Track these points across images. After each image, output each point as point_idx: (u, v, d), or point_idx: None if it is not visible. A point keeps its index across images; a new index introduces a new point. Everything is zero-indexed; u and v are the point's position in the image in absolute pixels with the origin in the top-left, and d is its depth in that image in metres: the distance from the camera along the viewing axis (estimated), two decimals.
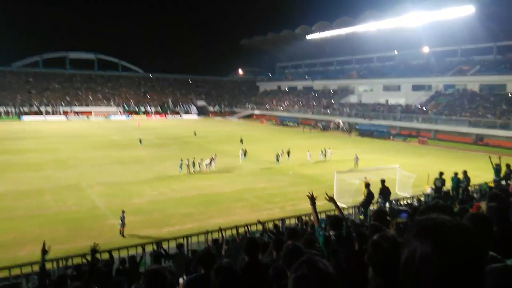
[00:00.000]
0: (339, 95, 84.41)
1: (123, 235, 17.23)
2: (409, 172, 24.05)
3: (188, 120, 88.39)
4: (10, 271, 9.96)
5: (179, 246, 10.87)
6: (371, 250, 2.35)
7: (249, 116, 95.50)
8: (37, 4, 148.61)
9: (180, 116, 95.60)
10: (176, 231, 16.19)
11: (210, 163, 31.29)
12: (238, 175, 29.85)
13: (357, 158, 33.32)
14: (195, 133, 56.11)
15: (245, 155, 35.92)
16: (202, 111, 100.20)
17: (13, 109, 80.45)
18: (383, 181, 15.57)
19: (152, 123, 77.25)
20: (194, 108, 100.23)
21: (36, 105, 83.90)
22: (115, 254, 10.86)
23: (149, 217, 19.95)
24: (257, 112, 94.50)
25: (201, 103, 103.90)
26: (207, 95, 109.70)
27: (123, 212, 17.71)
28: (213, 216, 19.53)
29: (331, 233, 5.39)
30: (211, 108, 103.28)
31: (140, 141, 44.45)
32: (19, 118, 78.33)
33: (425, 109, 61.50)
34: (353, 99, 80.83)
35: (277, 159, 33.74)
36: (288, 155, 36.21)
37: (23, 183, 26.40)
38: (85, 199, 22.95)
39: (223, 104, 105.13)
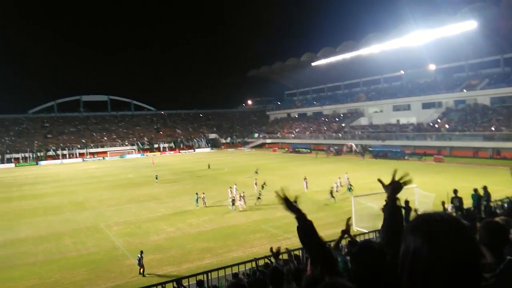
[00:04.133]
0: (349, 118, 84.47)
1: (143, 275, 17.13)
2: (427, 192, 23.66)
3: (201, 154, 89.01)
4: None
5: (199, 283, 10.75)
6: (352, 264, 2.29)
7: (261, 146, 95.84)
8: (47, 51, 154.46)
9: (193, 150, 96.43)
10: (195, 267, 16.08)
11: (240, 199, 29.39)
12: (254, 205, 29.67)
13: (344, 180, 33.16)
14: (209, 166, 56.36)
15: (262, 187, 34.12)
16: (214, 144, 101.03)
17: (30, 155, 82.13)
18: (406, 202, 15.29)
19: (166, 159, 77.97)
20: (206, 142, 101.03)
21: (53, 149, 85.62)
22: None
23: (168, 254, 19.85)
24: (268, 141, 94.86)
25: (213, 136, 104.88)
26: (218, 128, 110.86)
27: (141, 252, 17.70)
28: (232, 250, 19.34)
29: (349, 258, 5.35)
30: (223, 140, 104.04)
31: (156, 178, 44.75)
32: (36, 163, 79.88)
33: (437, 127, 61.04)
34: (364, 121, 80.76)
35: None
36: (306, 186, 35.61)
37: (42, 227, 26.65)
38: (104, 240, 23.00)
39: (235, 136, 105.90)
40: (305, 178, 35.11)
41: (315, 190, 33.57)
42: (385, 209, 2.64)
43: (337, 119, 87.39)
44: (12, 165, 78.02)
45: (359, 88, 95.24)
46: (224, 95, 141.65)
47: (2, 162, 78.28)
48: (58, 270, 18.39)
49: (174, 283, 11.65)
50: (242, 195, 29.14)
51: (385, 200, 2.69)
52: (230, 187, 32.21)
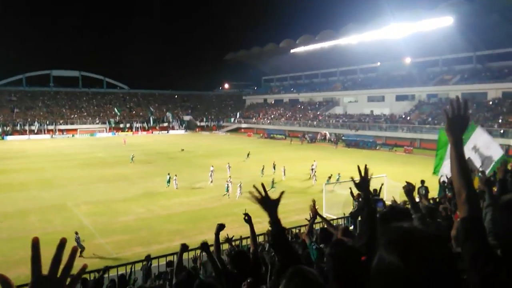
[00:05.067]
0: (324, 107, 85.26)
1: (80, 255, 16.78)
2: (396, 182, 24.27)
3: (175, 135, 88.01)
4: None
5: (169, 264, 10.74)
6: (328, 263, 2.33)
7: (236, 130, 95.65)
8: (18, 23, 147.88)
9: (167, 131, 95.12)
10: (165, 248, 15.99)
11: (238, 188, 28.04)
12: (223, 189, 29.64)
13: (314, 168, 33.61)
14: (182, 150, 55.72)
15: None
16: (188, 126, 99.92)
17: None
18: (375, 191, 15.69)
19: (138, 140, 76.65)
20: (180, 123, 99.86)
21: (20, 124, 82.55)
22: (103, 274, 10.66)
23: (137, 235, 19.69)
24: (244, 125, 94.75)
25: (187, 117, 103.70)
26: (193, 110, 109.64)
27: (76, 233, 17.21)
28: (203, 232, 19.34)
29: (322, 246, 5.39)
30: (198, 123, 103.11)
31: (132, 158, 43.97)
32: (2, 138, 76.84)
33: (409, 119, 62.51)
34: (338, 110, 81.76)
35: (262, 171, 34.79)
36: (274, 168, 36.25)
37: (7, 204, 25.84)
38: (71, 219, 22.54)
39: (210, 119, 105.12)
40: (284, 167, 34.81)
41: (288, 176, 33.88)
42: (361, 212, 2.74)
43: (313, 107, 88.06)
44: None
45: (335, 77, 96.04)
46: (201, 77, 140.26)
47: None
48: (23, 248, 17.87)
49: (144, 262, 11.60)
50: (240, 184, 27.44)
51: (357, 201, 2.80)
52: (212, 171, 32.13)
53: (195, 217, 22.58)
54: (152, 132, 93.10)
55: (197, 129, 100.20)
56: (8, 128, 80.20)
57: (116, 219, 22.39)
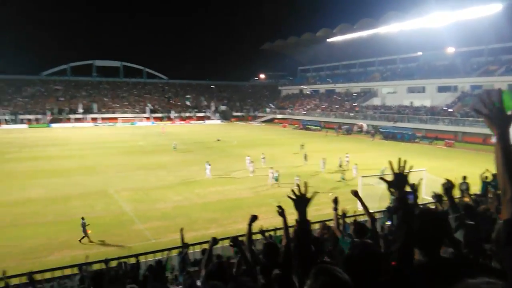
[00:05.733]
0: (362, 98, 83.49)
1: (80, 241, 17.49)
2: (436, 176, 23.54)
3: (211, 125, 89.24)
4: (42, 275, 10.30)
5: (204, 251, 11.00)
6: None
7: (271, 121, 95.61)
8: (64, 15, 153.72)
9: (203, 121, 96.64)
10: (201, 236, 16.36)
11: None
12: (260, 179, 29.88)
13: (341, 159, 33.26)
14: (218, 140, 56.38)
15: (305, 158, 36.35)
16: (224, 116, 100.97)
17: (43, 117, 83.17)
18: (412, 186, 15.27)
19: (176, 129, 78.31)
20: (216, 114, 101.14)
21: (64, 112, 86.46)
22: (142, 259, 11.10)
23: (174, 222, 20.20)
24: (279, 116, 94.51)
25: (223, 108, 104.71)
26: (229, 100, 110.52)
27: (82, 218, 17.91)
28: (237, 221, 19.62)
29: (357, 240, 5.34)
30: (233, 113, 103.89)
31: (174, 147, 45.19)
32: (48, 125, 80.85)
33: (451, 111, 60.12)
34: (376, 101, 79.78)
35: (305, 158, 35.88)
36: (306, 159, 36.17)
37: (52, 189, 27.23)
38: (112, 205, 23.49)
39: (245, 109, 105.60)
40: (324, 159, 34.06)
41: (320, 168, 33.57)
42: (396, 211, 2.61)
43: (349, 98, 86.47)
44: (25, 126, 79.13)
45: (374, 67, 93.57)
46: (237, 68, 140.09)
47: (15, 123, 79.53)
48: (66, 231, 18.86)
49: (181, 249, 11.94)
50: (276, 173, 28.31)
51: (393, 201, 2.70)
52: (253, 161, 32.60)
53: (229, 206, 22.91)
54: (189, 122, 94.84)
55: (232, 119, 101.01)
56: (54, 116, 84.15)
57: (154, 206, 23.11)
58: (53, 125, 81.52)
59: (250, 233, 5.14)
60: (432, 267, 2.28)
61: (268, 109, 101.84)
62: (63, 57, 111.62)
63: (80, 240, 17.47)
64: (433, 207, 7.11)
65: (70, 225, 19.66)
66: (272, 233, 12.11)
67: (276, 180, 27.93)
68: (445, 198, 5.43)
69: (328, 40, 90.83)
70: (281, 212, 4.48)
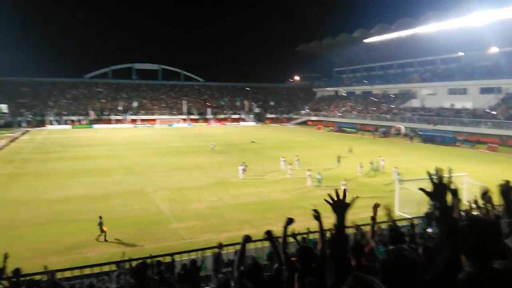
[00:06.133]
0: (400, 100, 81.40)
1: (104, 240, 18.06)
2: (478, 181, 22.60)
3: (246, 127, 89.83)
4: (82, 271, 10.72)
5: (237, 252, 11.05)
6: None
7: (305, 123, 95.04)
8: (107, 21, 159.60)
9: (238, 123, 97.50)
10: (234, 236, 16.50)
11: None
12: (295, 182, 29.79)
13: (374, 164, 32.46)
14: (253, 142, 56.64)
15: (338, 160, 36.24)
16: (259, 118, 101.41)
17: (85, 118, 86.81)
18: (454, 191, 14.66)
19: (211, 130, 79.42)
20: (251, 115, 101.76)
21: (105, 114, 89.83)
22: (177, 258, 11.32)
23: (208, 222, 20.51)
24: (313, 118, 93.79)
25: (258, 110, 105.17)
26: (264, 102, 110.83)
27: (100, 217, 18.43)
28: (270, 223, 19.64)
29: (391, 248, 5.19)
30: (267, 115, 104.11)
31: (213, 148, 45.97)
32: (90, 126, 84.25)
33: (494, 113, 57.47)
34: (415, 103, 77.53)
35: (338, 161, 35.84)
36: (338, 162, 35.79)
37: (93, 187, 28.31)
38: (149, 204, 24.13)
39: (280, 111, 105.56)
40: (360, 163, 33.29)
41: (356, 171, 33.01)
42: (438, 222, 2.48)
43: (386, 100, 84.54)
44: (69, 126, 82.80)
45: (412, 68, 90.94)
46: (272, 70, 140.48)
47: (60, 123, 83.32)
48: (107, 228, 19.53)
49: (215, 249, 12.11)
50: (310, 174, 28.93)
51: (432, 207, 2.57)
52: (291, 164, 32.78)
53: (263, 208, 22.97)
54: (224, 123, 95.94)
55: (266, 121, 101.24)
56: (95, 118, 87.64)
57: (189, 206, 23.53)
58: (95, 126, 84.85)
59: (285, 235, 5.12)
60: (481, 279, 2.13)
61: (302, 111, 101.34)
62: (105, 60, 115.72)
63: (97, 239, 18.08)
64: (477, 213, 6.82)
65: (109, 223, 20.29)
66: (304, 236, 12.05)
67: (319, 182, 27.79)
68: (484, 204, 5.19)
69: (364, 40, 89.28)
70: (317, 216, 4.42)
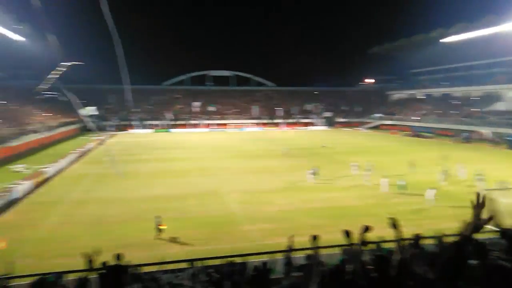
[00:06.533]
0: (483, 103, 75.56)
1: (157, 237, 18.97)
2: None
3: (316, 131, 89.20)
4: (160, 267, 11.53)
5: (308, 257, 11.15)
6: None
7: (377, 127, 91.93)
8: (184, 32, 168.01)
9: (308, 127, 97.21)
10: (305, 241, 16.58)
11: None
12: (368, 188, 29.10)
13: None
14: (323, 146, 56.16)
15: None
16: (329, 122, 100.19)
17: (164, 123, 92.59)
18: None
19: (282, 135, 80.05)
20: (321, 119, 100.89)
21: (183, 119, 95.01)
22: (248, 259, 11.73)
23: (279, 225, 20.81)
24: (387, 122, 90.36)
25: (328, 113, 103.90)
26: (334, 106, 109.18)
27: (158, 217, 19.32)
28: (342, 229, 19.40)
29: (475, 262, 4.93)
30: (338, 119, 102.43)
31: (285, 151, 46.60)
32: (167, 130, 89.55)
33: None
34: (501, 106, 71.46)
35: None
36: (413, 167, 34.20)
37: (171, 188, 30.07)
38: (223, 205, 25.09)
39: (351, 115, 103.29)
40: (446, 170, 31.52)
41: (435, 178, 31.34)
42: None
43: (468, 103, 78.92)
44: (150, 130, 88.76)
45: (497, 69, 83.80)
46: (343, 73, 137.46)
47: (144, 128, 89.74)
48: (183, 227, 20.70)
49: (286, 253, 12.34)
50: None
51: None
52: (369, 169, 32.06)
53: (335, 214, 22.79)
54: (294, 128, 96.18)
55: (337, 125, 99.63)
56: (173, 122, 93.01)
57: (261, 208, 24.07)
58: (172, 130, 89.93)
59: (361, 243, 5.06)
60: None
61: (375, 115, 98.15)
62: (183, 68, 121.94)
63: (155, 238, 19.11)
64: None
65: (187, 222, 21.53)
66: (378, 244, 11.81)
67: (403, 188, 27.06)
68: None
69: (442, 40, 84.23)
70: (394, 224, 4.34)
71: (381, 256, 4.77)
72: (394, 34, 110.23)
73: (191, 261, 12.50)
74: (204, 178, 33.93)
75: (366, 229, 4.93)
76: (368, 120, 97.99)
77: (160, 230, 19.33)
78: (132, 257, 13.29)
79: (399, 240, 4.42)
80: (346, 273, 4.26)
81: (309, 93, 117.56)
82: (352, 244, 4.91)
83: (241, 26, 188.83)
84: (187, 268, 12.92)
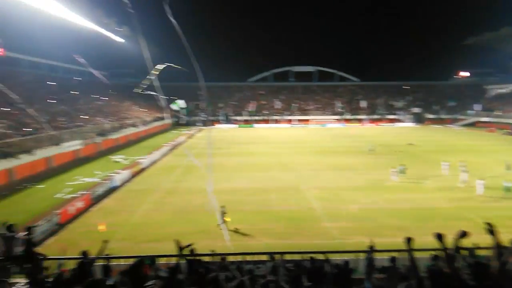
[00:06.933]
0: None
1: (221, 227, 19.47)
2: None
3: (402, 128, 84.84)
4: (243, 257, 11.94)
5: (392, 260, 10.70)
6: None
7: (473, 124, 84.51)
8: (267, 27, 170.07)
9: (394, 123, 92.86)
10: (388, 243, 15.99)
11: None
12: (460, 190, 27.08)
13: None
14: (410, 144, 53.26)
15: None
16: (418, 119, 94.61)
17: (247, 118, 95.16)
18: None
19: (365, 131, 77.56)
20: (409, 116, 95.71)
21: (265, 114, 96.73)
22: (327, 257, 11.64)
23: (360, 224, 20.32)
24: (484, 119, 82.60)
25: (416, 109, 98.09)
26: (424, 101, 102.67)
27: (223, 207, 19.75)
28: (429, 233, 18.29)
29: None
30: (427, 115, 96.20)
31: (371, 149, 45.35)
32: (251, 126, 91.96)
33: None
34: None
35: None
36: (509, 169, 30.90)
37: (254, 181, 30.88)
38: (303, 201, 25.16)
39: (442, 111, 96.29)
40: None
41: None
42: None
43: None
44: (235, 125, 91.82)
45: None
46: (434, 66, 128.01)
47: (229, 123, 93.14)
48: (264, 220, 21.21)
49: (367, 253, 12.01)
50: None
51: None
52: (467, 171, 28.89)
53: (421, 216, 21.60)
54: (378, 124, 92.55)
55: (427, 122, 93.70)
56: (256, 117, 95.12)
57: (342, 206, 23.69)
58: (256, 125, 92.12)
59: (455, 248, 4.72)
60: None
61: (470, 111, 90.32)
62: (266, 65, 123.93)
63: (218, 225, 19.80)
64: None
65: (268, 216, 21.98)
66: (472, 251, 11.00)
67: (509, 191, 25.01)
68: None
69: None
70: (491, 230, 4.05)
71: (480, 263, 4.39)
72: (493, 24, 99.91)
73: (271, 254, 12.83)
74: (285, 173, 34.28)
75: (464, 234, 4.50)
76: (462, 117, 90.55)
77: (224, 221, 19.92)
78: (214, 246, 14.07)
79: (496, 247, 4.08)
80: (439, 278, 4.02)
81: (396, 87, 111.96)
82: (445, 249, 4.54)
83: (325, 19, 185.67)
84: (266, 261, 13.29)
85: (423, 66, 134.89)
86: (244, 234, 19.21)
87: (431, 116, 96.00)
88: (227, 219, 19.87)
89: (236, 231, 19.52)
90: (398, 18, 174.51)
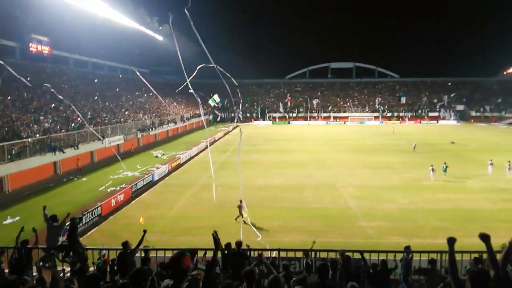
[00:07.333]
0: None
1: (243, 222, 19.45)
2: None
3: (445, 126, 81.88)
4: (280, 253, 12.05)
5: (432, 261, 10.42)
6: None
7: None
8: (304, 24, 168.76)
9: (436, 121, 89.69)
10: (427, 244, 15.65)
11: None
12: (505, 191, 25.90)
13: None
14: (453, 142, 51.39)
15: None
16: (462, 116, 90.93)
17: (283, 115, 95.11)
18: None
19: (406, 129, 75.45)
20: (452, 113, 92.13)
21: (301, 111, 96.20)
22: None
23: (398, 224, 19.89)
24: None
25: (461, 107, 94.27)
26: (468, 98, 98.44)
27: (241, 201, 19.61)
28: (471, 235, 17.56)
29: None
30: (473, 113, 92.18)
31: (414, 147, 44.29)
32: (288, 123, 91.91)
33: None
34: None
35: None
36: None
37: (289, 178, 30.88)
38: (339, 198, 24.92)
39: (488, 108, 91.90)
40: None
41: None
42: None
43: None
44: (270, 122, 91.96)
45: None
46: (480, 62, 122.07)
47: (264, 119, 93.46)
48: (299, 217, 21.17)
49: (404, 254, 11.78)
50: None
51: None
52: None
53: (462, 217, 20.86)
54: (420, 122, 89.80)
55: (471, 120, 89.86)
56: (293, 114, 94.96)
57: (378, 205, 23.25)
58: (292, 122, 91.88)
59: (491, 251, 4.39)
60: None
61: None
62: (304, 62, 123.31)
63: (236, 219, 19.95)
64: None
65: (300, 213, 21.92)
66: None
67: None
68: None
69: None
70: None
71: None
72: None
73: (306, 251, 12.86)
74: (320, 170, 34.04)
75: (484, 237, 4.27)
76: (508, 115, 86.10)
77: (241, 215, 20.02)
78: (248, 241, 14.26)
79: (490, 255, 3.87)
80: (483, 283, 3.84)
81: (439, 84, 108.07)
82: (491, 251, 4.30)
83: (363, 14, 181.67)
84: (300, 258, 13.33)
85: (468, 62, 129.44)
86: (278, 230, 19.28)
87: (476, 113, 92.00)
88: (245, 214, 19.95)
89: (254, 225, 19.43)
90: (440, 11, 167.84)
